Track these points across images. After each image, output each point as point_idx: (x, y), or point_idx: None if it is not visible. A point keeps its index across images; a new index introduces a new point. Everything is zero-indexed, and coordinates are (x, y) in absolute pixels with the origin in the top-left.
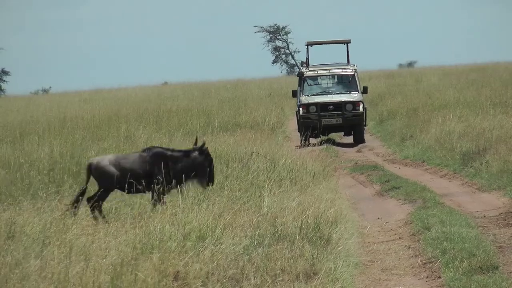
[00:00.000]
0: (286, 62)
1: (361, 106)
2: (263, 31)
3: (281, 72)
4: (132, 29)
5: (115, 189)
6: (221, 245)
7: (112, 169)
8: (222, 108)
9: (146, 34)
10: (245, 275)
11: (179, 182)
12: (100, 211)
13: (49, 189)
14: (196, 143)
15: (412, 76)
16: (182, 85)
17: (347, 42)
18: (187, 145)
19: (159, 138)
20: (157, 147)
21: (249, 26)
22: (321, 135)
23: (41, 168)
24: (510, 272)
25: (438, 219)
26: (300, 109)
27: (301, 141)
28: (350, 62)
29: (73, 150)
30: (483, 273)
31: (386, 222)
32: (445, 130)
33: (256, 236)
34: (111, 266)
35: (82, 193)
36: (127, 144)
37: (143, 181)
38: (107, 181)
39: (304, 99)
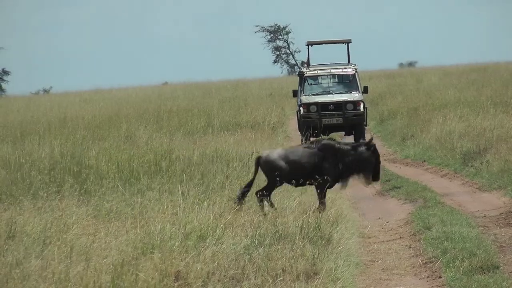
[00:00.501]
0: (287, 62)
1: (361, 106)
2: (263, 31)
3: (282, 72)
4: (132, 29)
5: (283, 182)
6: (222, 244)
7: (282, 163)
8: (222, 108)
9: (146, 34)
10: (246, 275)
11: (346, 176)
12: (271, 203)
13: (50, 188)
14: (364, 137)
15: (412, 76)
16: (183, 85)
17: (347, 42)
18: (187, 144)
19: (160, 138)
20: (326, 139)
21: (250, 26)
22: (321, 135)
23: (41, 168)
24: (510, 272)
25: (438, 218)
26: (301, 108)
27: (302, 141)
28: (351, 61)
29: (74, 150)
30: (484, 272)
31: (387, 222)
32: (446, 130)
33: (256, 236)
34: (112, 266)
35: (249, 185)
36: (128, 144)
37: (311, 173)
38: (278, 175)
39: (305, 99)
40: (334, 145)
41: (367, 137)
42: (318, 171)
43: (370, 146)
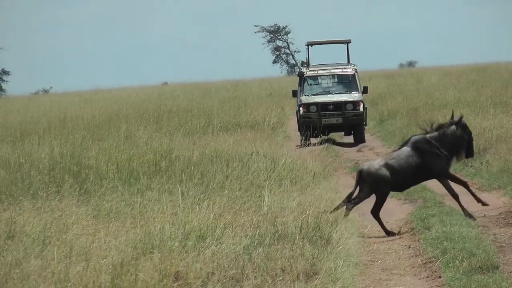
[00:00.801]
0: (287, 62)
1: (361, 106)
2: (263, 31)
3: (282, 72)
4: (131, 29)
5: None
6: (221, 244)
7: (385, 171)
8: (222, 108)
9: (146, 34)
10: (245, 275)
11: (448, 160)
12: (380, 220)
13: (50, 189)
14: (452, 117)
15: (412, 76)
16: (182, 85)
17: (347, 42)
18: (187, 144)
19: (159, 138)
20: (415, 135)
21: (249, 26)
22: (321, 135)
23: (41, 168)
24: (510, 272)
25: (438, 218)
26: (301, 108)
27: (301, 141)
28: (351, 62)
29: (74, 150)
30: (484, 272)
31: (387, 222)
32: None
33: (256, 236)
34: (111, 266)
35: (349, 197)
36: (127, 144)
37: (417, 173)
38: (382, 186)
39: (305, 99)
40: (425, 138)
41: (367, 137)
42: (423, 169)
43: (460, 124)
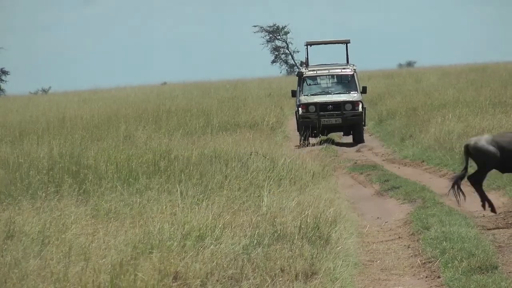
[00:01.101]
0: (286, 62)
1: (360, 106)
2: (262, 31)
3: (281, 72)
4: (131, 29)
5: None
6: (220, 244)
7: (491, 147)
8: (221, 108)
9: (145, 34)
10: (244, 274)
11: None
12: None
13: (49, 188)
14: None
15: (411, 76)
16: (182, 85)
17: (346, 42)
18: (186, 144)
19: (159, 138)
20: None
21: (249, 26)
22: (320, 135)
23: (40, 167)
24: (509, 272)
25: (437, 218)
26: (300, 109)
27: (301, 141)
28: (350, 62)
29: (73, 149)
30: (483, 273)
31: (386, 222)
32: (445, 130)
33: (255, 236)
34: (110, 266)
35: (463, 175)
36: (126, 144)
37: None
38: (488, 161)
39: (304, 99)
40: None
41: (366, 137)
42: None
43: None
